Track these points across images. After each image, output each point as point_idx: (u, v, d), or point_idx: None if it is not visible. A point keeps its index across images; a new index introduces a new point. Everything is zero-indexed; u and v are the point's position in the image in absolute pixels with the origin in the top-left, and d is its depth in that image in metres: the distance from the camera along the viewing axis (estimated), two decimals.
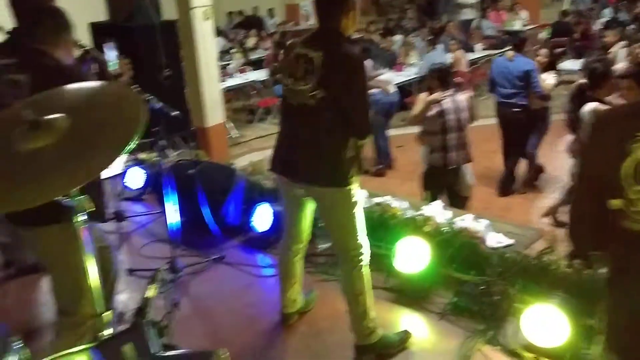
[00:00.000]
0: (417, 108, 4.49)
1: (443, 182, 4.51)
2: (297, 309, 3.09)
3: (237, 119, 9.35)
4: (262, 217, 4.02)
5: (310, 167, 2.57)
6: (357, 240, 2.64)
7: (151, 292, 1.44)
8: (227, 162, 4.83)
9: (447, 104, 4.36)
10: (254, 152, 7.65)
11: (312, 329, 3.06)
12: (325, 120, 2.48)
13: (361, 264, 2.67)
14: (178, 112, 3.61)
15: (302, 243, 2.91)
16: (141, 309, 1.40)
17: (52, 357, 1.31)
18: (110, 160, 1.96)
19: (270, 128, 9.07)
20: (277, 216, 3.95)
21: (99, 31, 6.01)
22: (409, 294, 3.23)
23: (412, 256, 3.26)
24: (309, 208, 2.80)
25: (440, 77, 4.45)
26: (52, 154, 1.61)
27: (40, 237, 2.27)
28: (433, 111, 4.36)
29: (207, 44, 5.93)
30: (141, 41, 5.86)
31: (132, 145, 1.64)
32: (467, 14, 13.53)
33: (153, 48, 5.77)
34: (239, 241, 4.07)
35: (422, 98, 4.48)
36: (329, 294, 3.25)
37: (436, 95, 4.38)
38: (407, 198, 3.91)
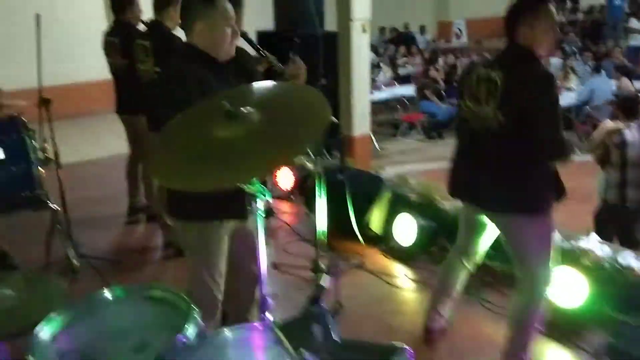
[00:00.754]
0: (596, 136, 4.20)
1: (618, 223, 4.14)
2: (441, 326, 3.02)
3: (380, 132, 9.43)
4: (406, 229, 4.01)
5: (496, 194, 2.44)
6: (544, 270, 2.51)
7: (325, 281, 1.50)
8: (374, 171, 4.89)
9: (630, 135, 4.01)
10: (395, 165, 7.65)
11: (454, 347, 2.98)
12: (512, 145, 2.35)
13: (541, 295, 2.55)
14: (336, 119, 3.73)
15: (473, 263, 2.83)
16: (316, 297, 1.46)
17: (230, 328, 1.41)
18: (293, 155, 2.08)
19: (412, 143, 9.05)
20: (421, 230, 3.93)
21: (265, 38, 6.39)
22: (561, 328, 3.03)
23: (566, 288, 3.06)
24: (490, 232, 2.70)
25: (626, 107, 4.12)
26: (242, 143, 1.74)
27: (179, 227, 2.45)
28: (613, 141, 4.04)
29: (362, 56, 6.07)
30: (302, 50, 6.14)
31: (313, 143, 1.74)
32: (637, 40, 12.49)
33: (313, 57, 6.01)
34: (380, 250, 4.10)
35: (604, 126, 4.18)
36: (472, 315, 3.16)
37: (618, 125, 4.06)
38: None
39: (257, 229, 2.20)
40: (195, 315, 1.64)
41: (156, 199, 4.39)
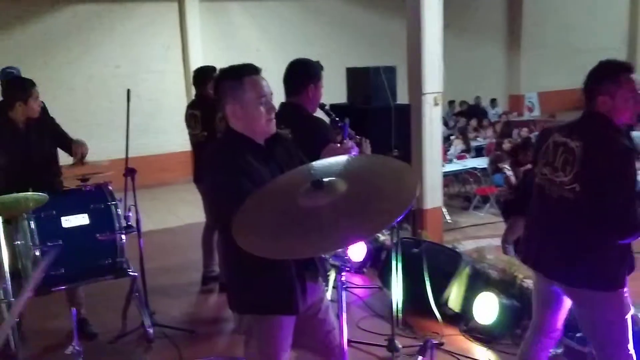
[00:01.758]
0: None
1: None
2: None
3: (452, 205, 9.22)
4: (486, 308, 3.79)
5: (567, 266, 2.35)
6: (621, 352, 2.32)
7: None
8: (450, 245, 4.72)
9: None
10: (468, 239, 7.39)
11: None
12: (586, 217, 2.26)
13: None
14: None
15: (550, 339, 2.66)
16: None
17: None
18: (380, 227, 2.03)
19: (486, 217, 8.74)
20: (503, 309, 3.70)
21: (337, 111, 6.53)
22: None
23: None
24: (564, 304, 2.56)
25: None
26: (328, 213, 1.71)
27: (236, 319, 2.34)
28: None
29: (433, 128, 6.03)
30: (375, 122, 6.23)
31: (400, 217, 1.68)
32: None
33: (385, 129, 6.06)
34: (460, 329, 3.87)
35: None
36: None
37: None
38: None
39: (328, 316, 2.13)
40: None
41: None
